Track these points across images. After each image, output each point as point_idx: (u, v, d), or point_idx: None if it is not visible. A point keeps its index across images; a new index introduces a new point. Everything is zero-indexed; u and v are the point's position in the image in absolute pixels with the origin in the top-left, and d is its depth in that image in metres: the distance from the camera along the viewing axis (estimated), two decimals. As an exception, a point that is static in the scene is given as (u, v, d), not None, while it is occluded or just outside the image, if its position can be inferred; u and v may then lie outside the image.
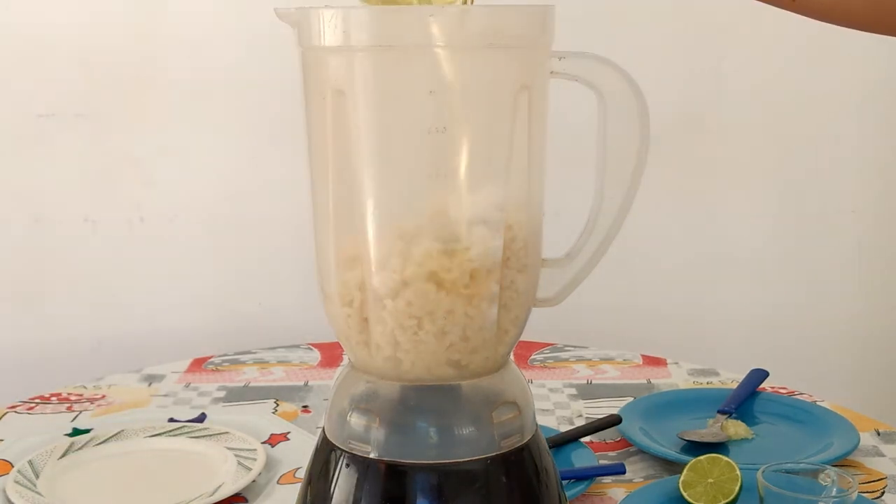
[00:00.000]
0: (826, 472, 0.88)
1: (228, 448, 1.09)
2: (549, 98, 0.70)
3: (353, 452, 0.69)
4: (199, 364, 1.41)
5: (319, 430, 0.74)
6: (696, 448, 1.07)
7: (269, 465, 1.06)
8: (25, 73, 1.61)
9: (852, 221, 1.72)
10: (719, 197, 1.71)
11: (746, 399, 1.19)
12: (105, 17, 1.60)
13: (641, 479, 1.03)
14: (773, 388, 1.26)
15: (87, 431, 1.14)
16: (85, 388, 1.32)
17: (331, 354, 1.44)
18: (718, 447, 1.07)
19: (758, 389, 1.23)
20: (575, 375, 1.34)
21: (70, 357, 1.65)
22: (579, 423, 1.17)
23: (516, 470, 0.69)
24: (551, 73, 0.69)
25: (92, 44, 1.60)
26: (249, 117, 1.63)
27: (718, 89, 1.67)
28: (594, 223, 0.72)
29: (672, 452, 1.06)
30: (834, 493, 0.86)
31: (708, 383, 1.30)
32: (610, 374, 1.35)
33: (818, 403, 1.21)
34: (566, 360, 1.40)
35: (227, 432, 1.12)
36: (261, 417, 1.20)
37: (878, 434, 1.13)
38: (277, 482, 1.03)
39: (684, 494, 0.94)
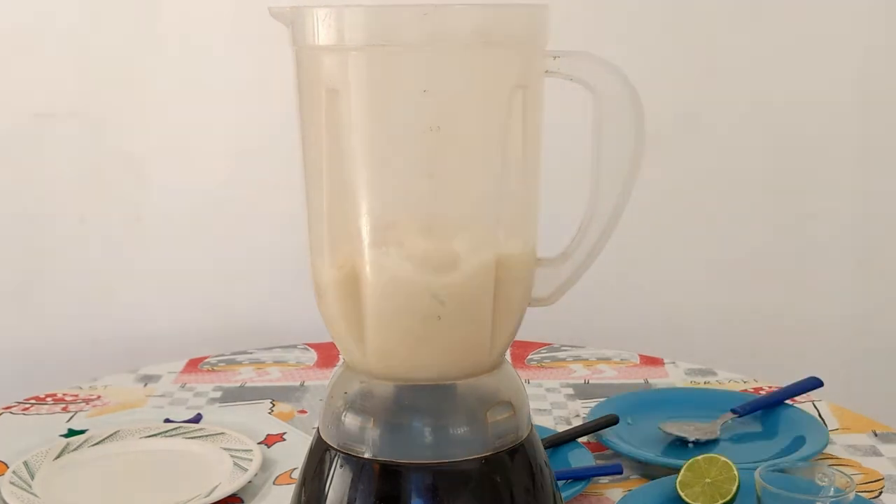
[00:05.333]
0: (824, 471, 0.88)
1: (224, 448, 1.09)
2: (544, 97, 0.70)
3: (348, 452, 0.69)
4: (194, 364, 1.41)
5: (315, 431, 0.74)
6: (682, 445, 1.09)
7: (265, 465, 1.06)
8: (22, 72, 1.61)
9: (849, 220, 1.72)
10: (716, 197, 1.71)
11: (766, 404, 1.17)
12: (102, 16, 1.60)
13: (638, 478, 1.03)
14: (770, 387, 1.26)
15: (82, 432, 1.14)
16: (80, 388, 1.31)
17: (327, 355, 1.44)
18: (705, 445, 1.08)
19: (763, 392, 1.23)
20: (572, 375, 1.34)
21: (65, 357, 1.65)
22: (576, 423, 1.16)
23: (511, 470, 0.69)
24: (546, 72, 0.69)
25: (88, 43, 1.60)
26: (246, 117, 1.63)
27: (715, 89, 1.67)
28: (589, 222, 0.72)
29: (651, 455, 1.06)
30: (832, 493, 0.86)
31: (706, 383, 1.30)
32: (607, 374, 1.34)
33: (816, 403, 1.21)
34: (563, 359, 1.40)
35: (223, 433, 1.12)
36: (257, 418, 1.20)
37: (876, 434, 1.13)
38: (273, 483, 1.03)
39: (682, 494, 0.94)
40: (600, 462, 1.05)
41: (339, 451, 0.70)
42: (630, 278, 1.70)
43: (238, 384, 1.33)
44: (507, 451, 0.69)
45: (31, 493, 0.99)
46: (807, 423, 1.12)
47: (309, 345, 1.48)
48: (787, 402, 1.18)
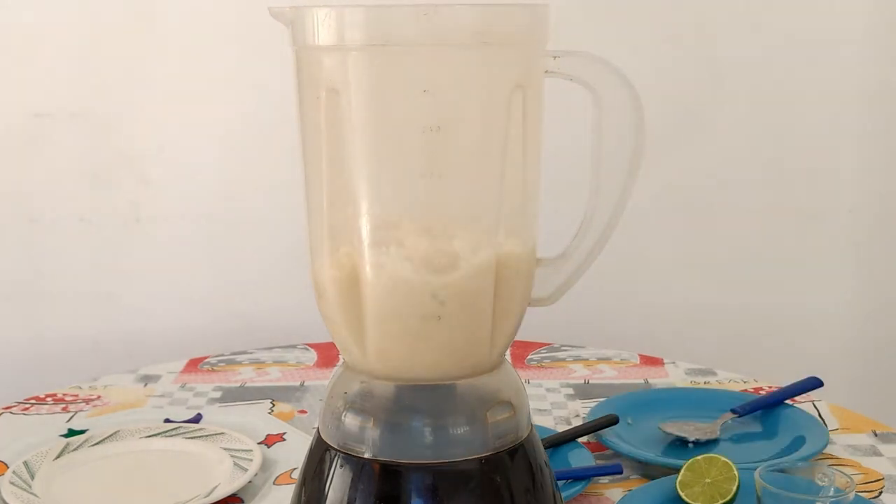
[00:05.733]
0: (824, 471, 0.88)
1: (224, 449, 1.09)
2: (544, 97, 0.70)
3: (348, 452, 0.69)
4: (195, 364, 1.41)
5: (315, 431, 0.74)
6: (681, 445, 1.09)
7: (266, 465, 1.06)
8: (21, 72, 1.61)
9: (849, 221, 1.72)
10: (716, 196, 1.71)
11: (766, 404, 1.17)
12: (101, 17, 1.59)
13: (638, 478, 1.03)
14: (770, 387, 1.26)
15: (82, 432, 1.14)
16: (80, 388, 1.31)
17: (327, 354, 1.44)
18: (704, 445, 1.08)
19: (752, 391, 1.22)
20: (572, 375, 1.34)
21: (66, 357, 1.65)
22: (576, 423, 1.16)
23: (511, 470, 0.69)
24: (546, 72, 0.69)
25: (88, 43, 1.60)
26: (245, 116, 1.63)
27: (714, 88, 1.67)
28: (590, 222, 0.72)
29: (651, 455, 1.06)
30: (831, 493, 0.86)
31: (706, 383, 1.30)
32: (607, 374, 1.34)
33: (816, 403, 1.21)
34: (563, 359, 1.40)
35: (223, 433, 1.12)
36: (257, 418, 1.20)
37: (876, 434, 1.13)
38: (273, 483, 1.03)
39: (682, 494, 0.94)
40: (600, 462, 1.05)
41: (339, 451, 0.70)
42: (630, 278, 1.70)
43: (238, 384, 1.33)
44: (507, 451, 0.69)
45: (31, 493, 0.99)
46: (807, 423, 1.12)
47: (309, 345, 1.48)
48: (787, 402, 1.18)
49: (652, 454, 1.06)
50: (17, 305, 1.66)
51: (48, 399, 1.27)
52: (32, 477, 1.02)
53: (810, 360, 1.62)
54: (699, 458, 0.96)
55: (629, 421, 1.13)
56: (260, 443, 1.11)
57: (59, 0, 1.59)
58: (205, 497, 0.97)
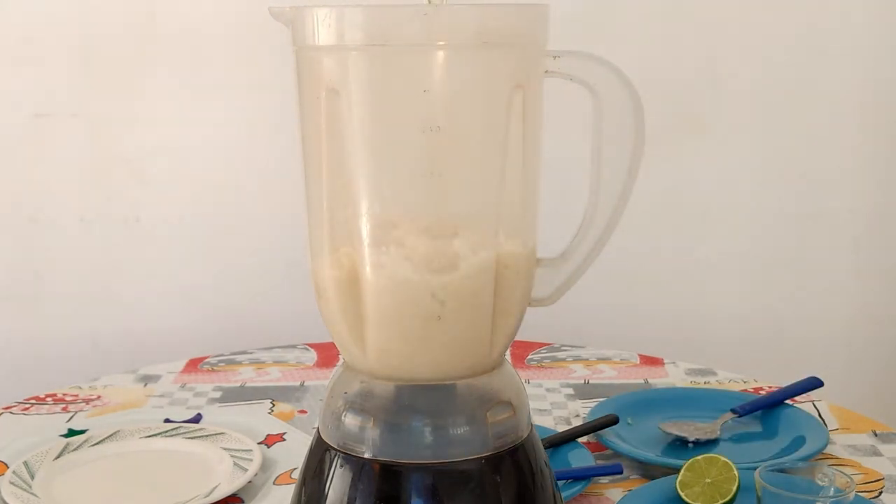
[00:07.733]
0: (824, 471, 0.88)
1: (224, 449, 1.09)
2: (543, 97, 0.70)
3: (348, 452, 0.69)
4: (194, 364, 1.41)
5: (315, 431, 0.74)
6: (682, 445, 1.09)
7: (266, 465, 1.06)
8: (21, 73, 1.61)
9: (849, 220, 1.72)
10: (716, 197, 1.71)
11: (767, 404, 1.17)
12: (101, 17, 1.60)
13: (638, 478, 1.03)
14: (770, 387, 1.26)
15: (82, 432, 1.14)
16: (80, 388, 1.32)
17: (327, 354, 1.44)
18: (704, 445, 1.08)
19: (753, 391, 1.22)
20: (572, 375, 1.34)
21: (65, 357, 1.65)
22: (576, 423, 1.16)
23: (511, 470, 0.69)
24: (546, 71, 0.69)
25: (88, 44, 1.60)
26: (245, 117, 1.63)
27: (714, 88, 1.67)
28: (589, 222, 0.72)
29: (651, 455, 1.06)
30: (832, 493, 0.86)
31: (706, 383, 1.30)
32: (607, 374, 1.34)
33: (816, 403, 1.21)
34: (563, 359, 1.40)
35: (223, 433, 1.12)
36: (257, 418, 1.20)
37: (876, 434, 1.13)
38: (273, 483, 1.03)
39: (682, 494, 0.94)
40: (600, 462, 1.05)
41: (339, 451, 0.70)
42: (630, 278, 1.70)
43: (238, 384, 1.33)
44: (507, 451, 0.69)
45: (31, 493, 0.99)
46: (807, 423, 1.12)
47: (309, 345, 1.48)
48: (787, 402, 1.18)
49: (652, 454, 1.06)
50: (17, 305, 1.66)
51: (48, 399, 1.27)
52: (32, 477, 1.02)
53: (810, 360, 1.62)
54: (699, 458, 0.96)
55: (629, 421, 1.13)
56: (260, 443, 1.11)
57: (60, 1, 1.59)
58: (205, 497, 0.97)
